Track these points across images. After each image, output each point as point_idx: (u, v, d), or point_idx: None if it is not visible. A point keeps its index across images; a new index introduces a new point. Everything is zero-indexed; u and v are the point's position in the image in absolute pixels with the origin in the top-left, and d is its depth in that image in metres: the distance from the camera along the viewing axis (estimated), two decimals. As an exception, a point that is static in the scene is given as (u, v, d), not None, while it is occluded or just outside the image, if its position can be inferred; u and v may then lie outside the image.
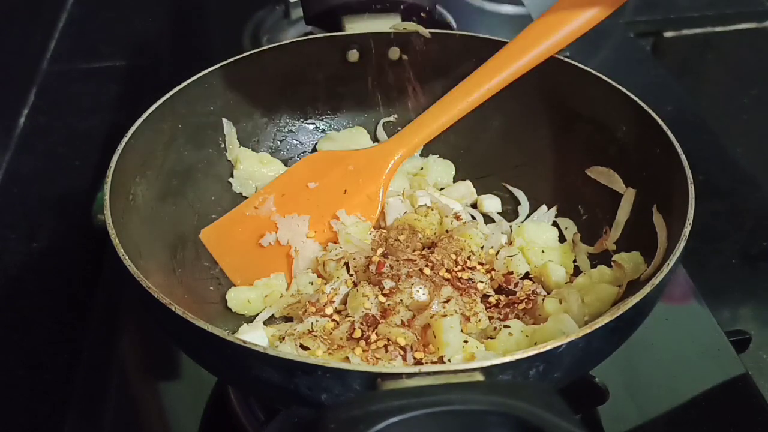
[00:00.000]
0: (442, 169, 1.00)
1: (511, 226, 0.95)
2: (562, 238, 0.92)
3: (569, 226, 0.93)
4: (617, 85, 0.88)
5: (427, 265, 0.83)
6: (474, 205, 0.99)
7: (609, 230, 0.87)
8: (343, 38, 0.97)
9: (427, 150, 0.99)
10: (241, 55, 0.94)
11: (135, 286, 0.66)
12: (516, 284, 0.84)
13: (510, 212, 0.98)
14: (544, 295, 0.82)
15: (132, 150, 0.81)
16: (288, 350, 0.74)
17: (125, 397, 0.90)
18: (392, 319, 0.77)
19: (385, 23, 0.98)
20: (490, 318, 0.80)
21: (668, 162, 0.79)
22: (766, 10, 1.67)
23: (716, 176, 1.23)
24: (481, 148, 1.00)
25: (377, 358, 0.73)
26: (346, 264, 0.85)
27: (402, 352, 0.74)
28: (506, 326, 0.76)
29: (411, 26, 0.97)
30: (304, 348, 0.74)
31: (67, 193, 1.23)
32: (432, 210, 0.91)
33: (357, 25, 0.98)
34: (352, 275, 0.84)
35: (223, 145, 0.95)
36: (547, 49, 0.88)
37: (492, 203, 0.98)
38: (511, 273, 0.85)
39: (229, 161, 0.96)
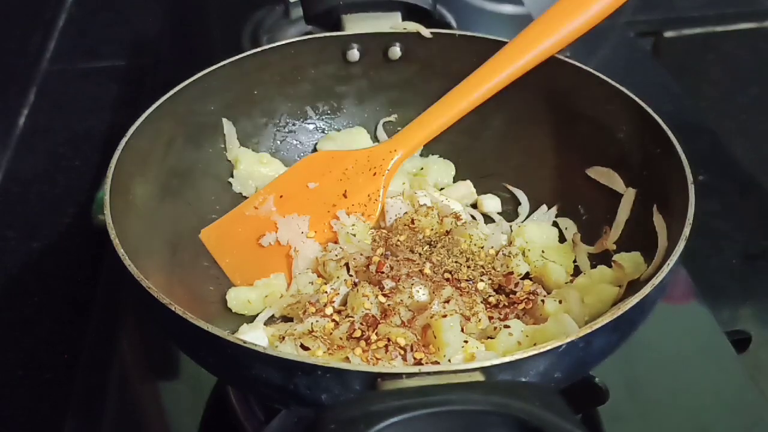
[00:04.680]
0: (442, 169, 1.00)
1: (511, 226, 0.95)
2: (562, 238, 0.92)
3: (569, 226, 0.93)
4: (617, 85, 0.88)
5: (427, 266, 0.83)
6: (474, 205, 0.99)
7: (609, 230, 0.87)
8: (343, 38, 0.97)
9: (427, 150, 0.99)
10: (241, 55, 0.94)
11: (135, 286, 0.66)
12: (516, 284, 0.84)
13: (510, 212, 0.98)
14: (544, 295, 0.81)
15: (132, 150, 0.81)
16: (288, 350, 0.74)
17: (125, 397, 0.90)
18: (392, 319, 0.77)
19: (385, 23, 0.98)
20: (490, 318, 0.80)
21: (668, 162, 0.79)
22: (766, 10, 1.67)
23: (716, 176, 1.23)
24: (481, 147, 1.00)
25: (377, 358, 0.73)
26: (346, 264, 0.85)
27: (402, 352, 0.73)
28: (506, 326, 0.76)
29: (411, 26, 0.97)
30: (304, 348, 0.74)
31: (67, 193, 1.23)
32: (432, 210, 0.91)
33: (357, 25, 0.98)
34: (352, 275, 0.84)
35: (223, 145, 0.95)
36: (548, 49, 0.88)
37: (492, 203, 0.98)
38: (511, 273, 0.85)
39: (229, 161, 0.96)
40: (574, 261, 0.89)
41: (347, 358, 0.73)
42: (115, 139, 0.80)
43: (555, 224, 0.94)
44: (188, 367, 0.91)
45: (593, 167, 0.91)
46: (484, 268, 0.86)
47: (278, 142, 1.01)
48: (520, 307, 0.81)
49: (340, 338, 0.76)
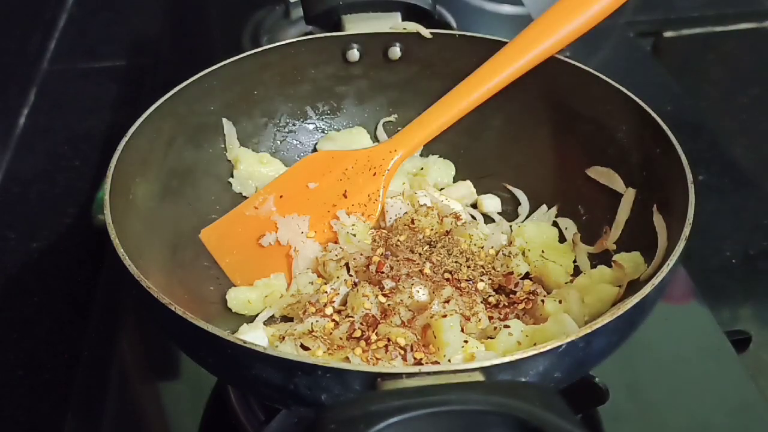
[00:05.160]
0: (442, 169, 1.00)
1: (511, 226, 0.95)
2: (562, 238, 0.92)
3: (569, 226, 0.93)
4: (617, 85, 0.88)
5: (427, 266, 0.83)
6: (474, 205, 0.99)
7: (609, 230, 0.87)
8: (343, 38, 0.97)
9: (427, 150, 0.99)
10: (241, 55, 0.94)
11: (135, 286, 0.66)
12: (516, 284, 0.84)
13: (510, 212, 0.98)
14: (544, 295, 0.81)
15: (132, 150, 0.81)
16: (288, 350, 0.74)
17: (125, 397, 0.90)
18: (392, 319, 0.77)
19: (385, 23, 0.98)
20: (490, 318, 0.80)
21: (668, 162, 0.79)
22: (766, 10, 1.67)
23: (716, 176, 1.23)
24: (481, 147, 1.00)
25: (377, 358, 0.73)
26: (346, 264, 0.85)
27: (402, 352, 0.74)
28: (506, 326, 0.76)
29: (411, 26, 0.97)
30: (305, 348, 0.74)
31: (67, 193, 1.23)
32: (432, 210, 0.91)
33: (357, 25, 0.98)
34: (352, 275, 0.84)
35: (223, 145, 0.95)
36: (547, 49, 0.88)
37: (492, 203, 0.98)
38: (511, 273, 0.85)
39: (229, 161, 0.96)
40: (574, 261, 0.89)
41: (347, 358, 0.73)
42: (115, 139, 0.80)
43: (555, 224, 0.94)
44: (188, 367, 0.91)
45: (593, 167, 0.91)
46: (484, 268, 0.86)
47: (278, 142, 1.01)
48: (520, 307, 0.81)
49: (340, 338, 0.76)
